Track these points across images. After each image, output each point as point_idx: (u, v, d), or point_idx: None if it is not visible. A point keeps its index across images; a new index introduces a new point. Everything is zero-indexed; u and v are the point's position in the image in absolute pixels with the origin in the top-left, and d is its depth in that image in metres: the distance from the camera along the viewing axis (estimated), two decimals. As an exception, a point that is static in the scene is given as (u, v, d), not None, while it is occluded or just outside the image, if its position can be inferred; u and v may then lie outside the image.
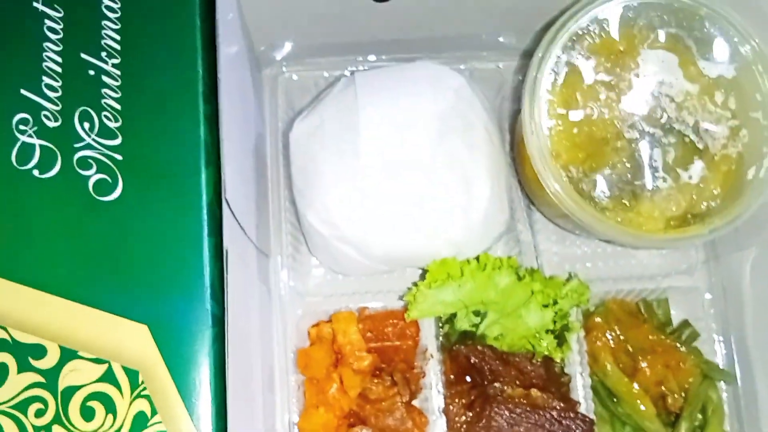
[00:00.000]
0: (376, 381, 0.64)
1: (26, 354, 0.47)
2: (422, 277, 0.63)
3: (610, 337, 0.66)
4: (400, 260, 0.63)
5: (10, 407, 0.47)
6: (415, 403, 0.65)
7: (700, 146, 0.58)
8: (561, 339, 0.63)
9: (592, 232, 0.62)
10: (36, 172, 0.49)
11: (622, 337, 0.66)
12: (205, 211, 0.49)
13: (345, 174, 0.59)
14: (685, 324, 0.67)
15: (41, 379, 0.47)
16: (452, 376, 0.65)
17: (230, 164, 0.49)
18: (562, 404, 0.62)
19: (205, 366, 0.47)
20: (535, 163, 0.57)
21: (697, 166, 0.58)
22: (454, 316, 0.65)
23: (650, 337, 0.65)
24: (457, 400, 0.63)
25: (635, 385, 0.64)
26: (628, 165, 0.58)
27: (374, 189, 0.58)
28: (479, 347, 0.63)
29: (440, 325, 0.65)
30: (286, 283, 0.66)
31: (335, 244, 0.61)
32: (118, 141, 0.50)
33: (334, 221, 0.60)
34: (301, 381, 0.65)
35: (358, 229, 0.59)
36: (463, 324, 0.64)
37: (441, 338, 0.65)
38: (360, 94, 0.60)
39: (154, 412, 0.46)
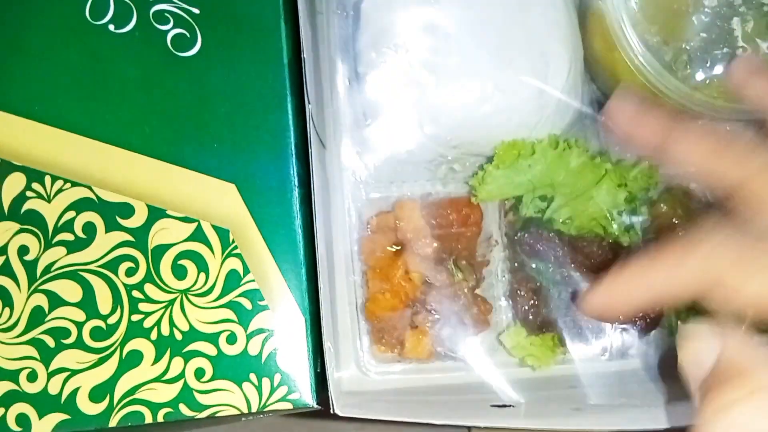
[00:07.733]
0: (440, 268, 0.64)
1: (113, 213, 0.46)
2: (489, 161, 0.62)
3: (676, 222, 0.65)
4: (468, 143, 0.62)
5: (100, 266, 0.45)
6: (479, 291, 0.65)
7: (780, 15, 0.56)
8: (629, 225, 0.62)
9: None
10: (111, 27, 0.47)
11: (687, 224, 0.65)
12: (287, 69, 0.47)
13: (420, 43, 0.56)
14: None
15: (130, 238, 0.46)
16: (516, 264, 0.64)
17: (305, 24, 0.47)
18: (632, 285, 0.61)
19: (295, 226, 0.46)
20: (615, 30, 0.55)
21: (777, 36, 0.56)
22: (519, 202, 0.64)
23: (720, 219, 0.65)
24: (524, 285, 0.63)
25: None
26: (704, 35, 0.56)
27: (449, 60, 0.56)
28: (545, 233, 0.62)
29: (504, 212, 0.64)
30: (346, 172, 0.64)
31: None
32: (194, -6, 0.47)
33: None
34: (365, 270, 0.64)
35: (429, 101, 0.57)
36: (528, 210, 0.63)
37: (505, 226, 0.64)
38: None
39: (246, 271, 0.45)
